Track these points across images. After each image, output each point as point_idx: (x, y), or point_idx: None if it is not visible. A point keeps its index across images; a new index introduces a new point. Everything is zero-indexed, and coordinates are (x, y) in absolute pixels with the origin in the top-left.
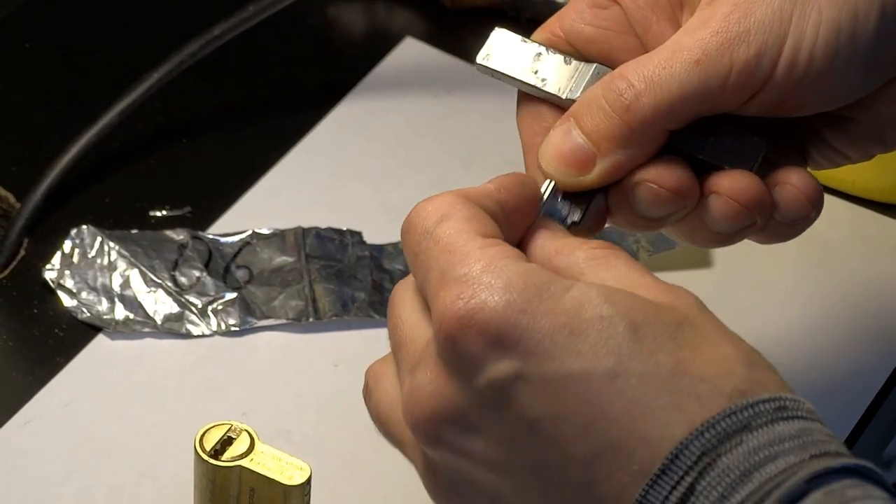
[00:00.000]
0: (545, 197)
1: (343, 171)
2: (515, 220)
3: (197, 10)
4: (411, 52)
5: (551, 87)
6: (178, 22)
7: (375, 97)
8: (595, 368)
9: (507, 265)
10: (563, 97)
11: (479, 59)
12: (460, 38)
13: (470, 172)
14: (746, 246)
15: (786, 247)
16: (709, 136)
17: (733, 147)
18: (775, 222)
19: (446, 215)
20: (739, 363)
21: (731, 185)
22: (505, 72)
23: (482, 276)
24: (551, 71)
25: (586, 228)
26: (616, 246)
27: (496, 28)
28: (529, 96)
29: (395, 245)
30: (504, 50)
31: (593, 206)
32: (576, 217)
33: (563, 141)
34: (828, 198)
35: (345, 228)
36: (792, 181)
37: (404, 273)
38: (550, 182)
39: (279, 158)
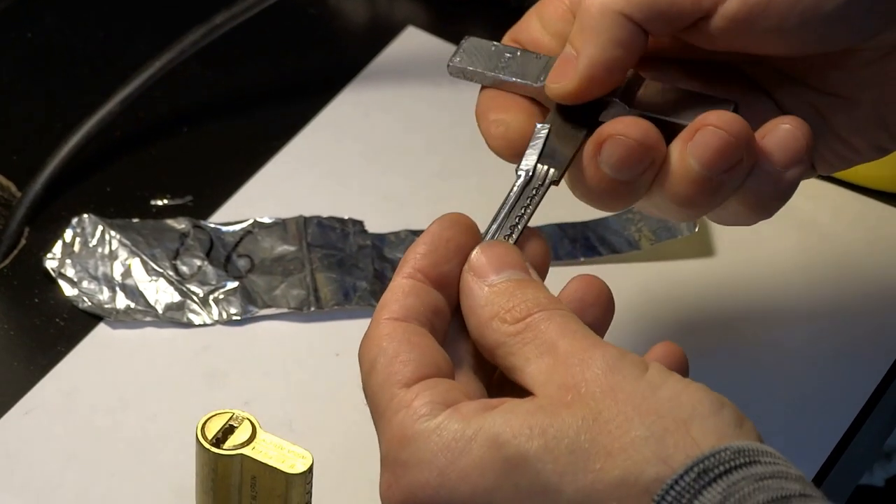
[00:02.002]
0: (535, 154)
1: (345, 161)
2: (447, 273)
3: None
4: (413, 41)
5: (525, 79)
6: (179, 11)
7: (377, 86)
8: None
9: (418, 435)
10: (536, 85)
11: (450, 61)
12: (462, 28)
13: (471, 161)
14: (749, 235)
15: (788, 236)
16: (679, 102)
17: (703, 107)
18: (764, 173)
19: (372, 364)
20: (649, 448)
21: (719, 117)
22: (477, 69)
23: (399, 456)
24: (523, 66)
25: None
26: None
27: (466, 36)
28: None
29: (396, 234)
30: (475, 52)
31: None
32: (555, 177)
33: (560, 58)
34: (831, 187)
35: (346, 217)
36: (786, 121)
37: None
38: (544, 128)
39: (281, 147)
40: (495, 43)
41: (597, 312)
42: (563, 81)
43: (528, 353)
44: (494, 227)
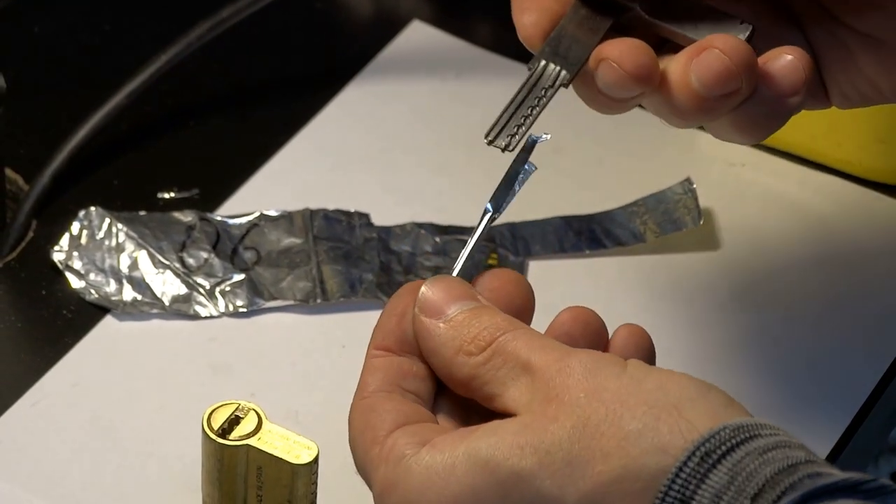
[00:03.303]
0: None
1: (350, 154)
2: (406, 335)
3: None
4: (419, 35)
5: None
6: (186, 4)
7: (383, 80)
8: None
9: (401, 478)
10: None
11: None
12: (468, 22)
13: (477, 154)
14: (753, 228)
15: (792, 230)
16: (698, 16)
17: (720, 25)
18: (761, 98)
19: (353, 444)
20: (645, 440)
21: (725, 42)
22: None
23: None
24: None
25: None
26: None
27: None
28: None
29: (402, 227)
30: None
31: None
32: (565, 80)
33: None
34: (833, 179)
35: (352, 210)
36: (789, 51)
37: (411, 254)
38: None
39: (287, 140)
40: None
41: (588, 342)
42: None
43: (502, 378)
44: (496, 129)
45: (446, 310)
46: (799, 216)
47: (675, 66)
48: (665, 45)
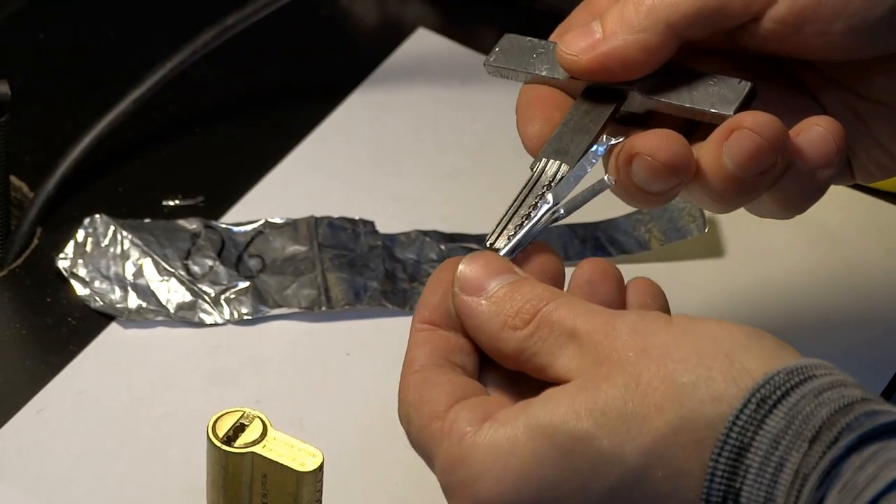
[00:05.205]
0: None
1: (356, 162)
2: (450, 310)
3: (210, 1)
4: (424, 42)
5: (553, 73)
6: (191, 12)
7: (387, 88)
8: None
9: (466, 454)
10: (562, 78)
11: (486, 59)
12: (473, 29)
13: (481, 162)
14: (758, 236)
15: (797, 237)
16: (696, 84)
17: (717, 90)
18: (796, 172)
19: (407, 419)
20: (700, 390)
21: (754, 119)
22: (510, 66)
23: (455, 479)
24: (553, 59)
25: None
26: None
27: (505, 34)
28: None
29: (406, 235)
30: (511, 49)
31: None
32: (566, 172)
33: (581, 28)
34: (840, 189)
35: (357, 218)
36: (819, 122)
37: (416, 262)
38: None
39: (292, 148)
40: (531, 39)
41: (608, 289)
42: (576, 52)
43: (551, 348)
44: (497, 230)
45: (486, 286)
46: (803, 224)
47: (707, 152)
48: (692, 134)
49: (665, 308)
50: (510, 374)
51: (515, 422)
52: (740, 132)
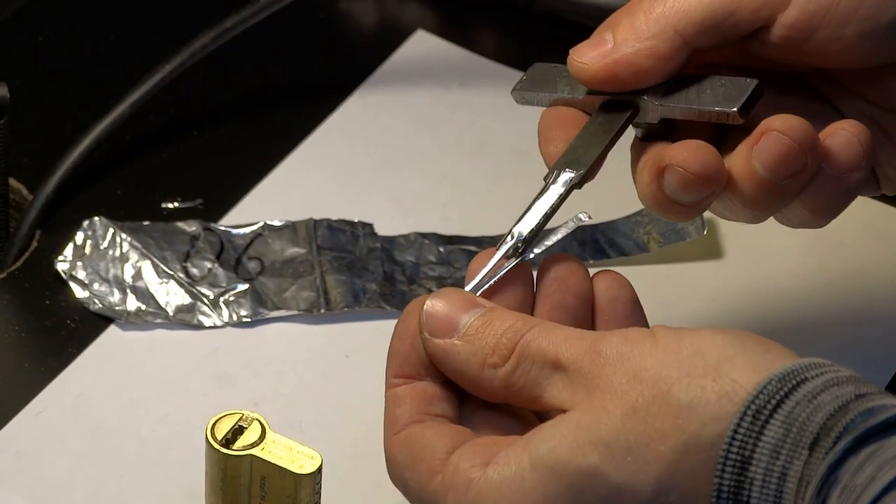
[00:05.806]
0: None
1: (354, 164)
2: (420, 358)
3: (208, 3)
4: (423, 44)
5: (574, 93)
6: (189, 14)
7: (387, 90)
8: None
9: (475, 501)
10: (581, 98)
11: (514, 88)
12: (472, 31)
13: (480, 164)
14: (757, 238)
15: (797, 239)
16: (701, 90)
17: (724, 90)
18: (825, 177)
19: (403, 482)
20: (697, 412)
21: (783, 122)
22: (535, 91)
23: None
24: (573, 81)
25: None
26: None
27: (534, 63)
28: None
29: (405, 237)
30: (536, 76)
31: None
32: (576, 180)
33: (594, 37)
34: None
35: (356, 220)
36: (844, 126)
37: (415, 265)
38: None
39: (290, 150)
40: (557, 64)
41: (576, 283)
42: (587, 60)
43: (536, 380)
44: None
45: (456, 324)
46: None
47: (737, 160)
48: (722, 144)
49: (633, 298)
50: (491, 407)
51: (520, 462)
52: (769, 135)
